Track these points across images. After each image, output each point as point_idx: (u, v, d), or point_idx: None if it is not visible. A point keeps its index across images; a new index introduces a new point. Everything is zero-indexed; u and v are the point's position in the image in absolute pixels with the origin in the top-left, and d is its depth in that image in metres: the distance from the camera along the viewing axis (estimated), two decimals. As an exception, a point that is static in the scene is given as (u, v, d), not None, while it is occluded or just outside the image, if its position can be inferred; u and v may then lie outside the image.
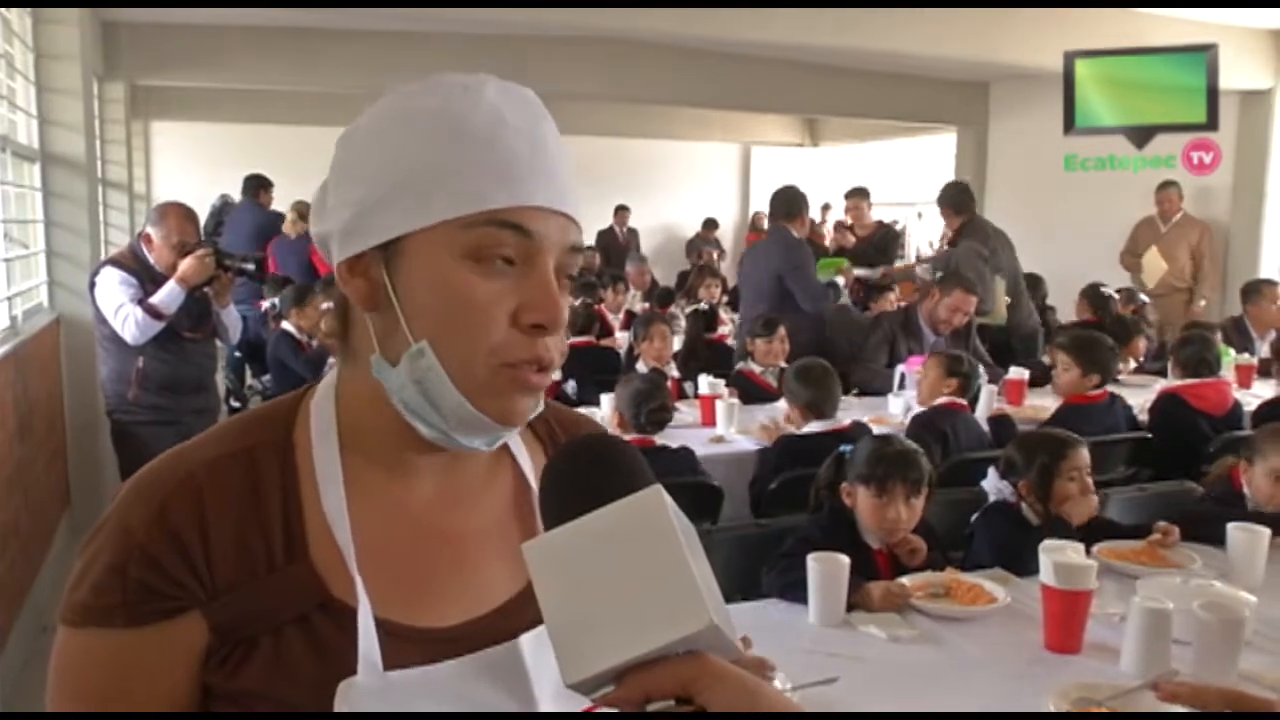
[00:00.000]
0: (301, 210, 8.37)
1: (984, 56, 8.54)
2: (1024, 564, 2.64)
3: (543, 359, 0.92)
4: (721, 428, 4.51)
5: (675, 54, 9.29)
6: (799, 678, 2.06)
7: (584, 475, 0.81)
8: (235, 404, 7.79)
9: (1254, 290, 6.75)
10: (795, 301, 5.97)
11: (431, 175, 0.90)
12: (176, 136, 12.84)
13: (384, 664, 0.91)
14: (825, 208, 14.58)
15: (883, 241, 8.87)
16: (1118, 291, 7.65)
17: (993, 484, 3.03)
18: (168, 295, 4.28)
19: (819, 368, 4.09)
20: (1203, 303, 8.40)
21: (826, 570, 2.42)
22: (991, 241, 6.51)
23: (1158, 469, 4.37)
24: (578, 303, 7.30)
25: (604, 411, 4.13)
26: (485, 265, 0.90)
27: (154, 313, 4.25)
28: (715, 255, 13.47)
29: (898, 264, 9.30)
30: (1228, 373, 5.39)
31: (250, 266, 4.63)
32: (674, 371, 5.62)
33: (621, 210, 13.92)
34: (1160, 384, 5.31)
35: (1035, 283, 6.78)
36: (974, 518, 3.00)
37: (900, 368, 5.33)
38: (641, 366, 5.41)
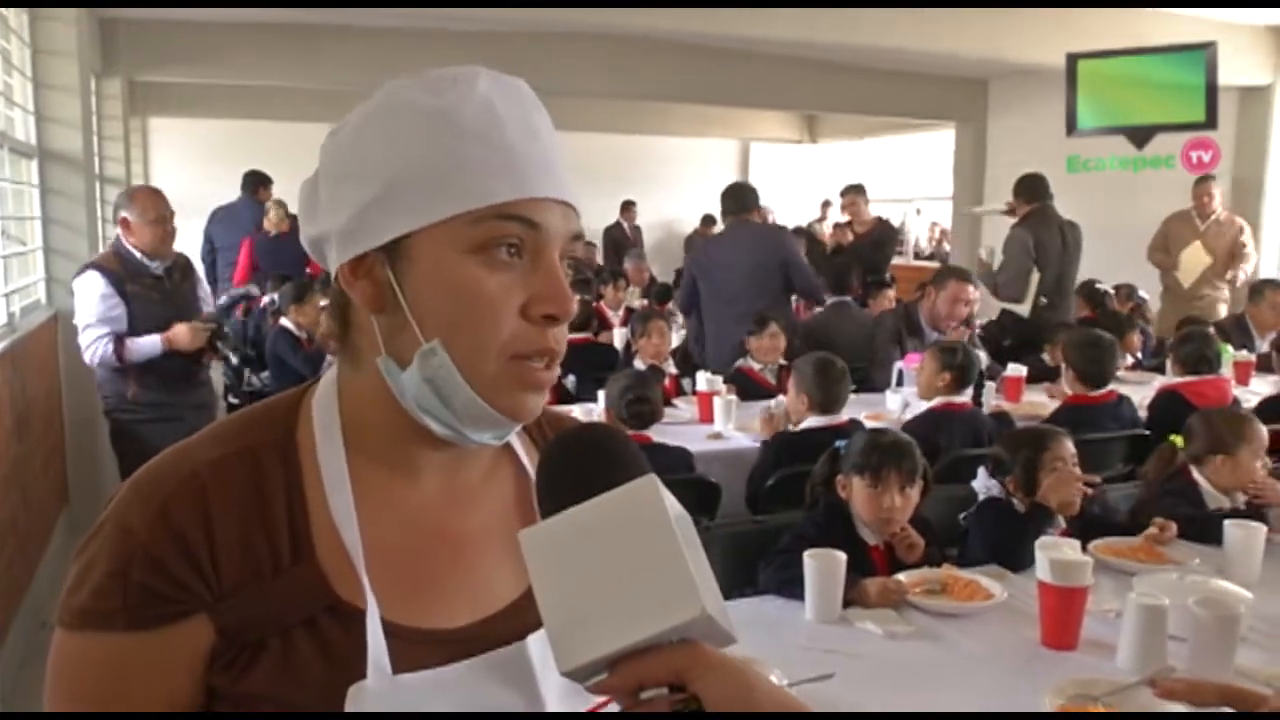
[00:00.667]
0: (285, 209, 8.39)
1: (983, 53, 8.54)
2: (1018, 558, 2.65)
3: (553, 350, 0.92)
4: (720, 424, 4.51)
5: (674, 50, 9.29)
6: (795, 674, 2.06)
7: (580, 465, 0.82)
8: (233, 400, 7.78)
9: (1258, 291, 6.76)
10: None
11: (432, 172, 0.89)
12: (174, 133, 12.85)
13: (392, 667, 0.91)
14: (825, 204, 14.59)
15: (881, 238, 8.87)
16: (1115, 289, 7.65)
17: (982, 483, 3.04)
18: (145, 347, 4.28)
19: (837, 368, 4.08)
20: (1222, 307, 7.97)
21: (823, 566, 2.42)
22: (1045, 234, 6.52)
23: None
24: (576, 299, 7.29)
25: (600, 408, 4.13)
26: (493, 260, 0.89)
27: (120, 355, 4.24)
28: (714, 252, 13.45)
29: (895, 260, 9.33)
30: (1226, 370, 5.39)
31: (235, 359, 4.63)
32: (671, 368, 5.62)
33: (629, 206, 13.96)
34: (1159, 381, 5.31)
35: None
36: (963, 516, 3.01)
37: (898, 364, 5.33)
38: (639, 363, 5.41)
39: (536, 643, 0.95)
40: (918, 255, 14.86)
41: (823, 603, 2.42)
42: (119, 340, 4.24)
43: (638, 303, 8.45)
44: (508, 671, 0.95)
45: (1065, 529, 2.86)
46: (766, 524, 2.99)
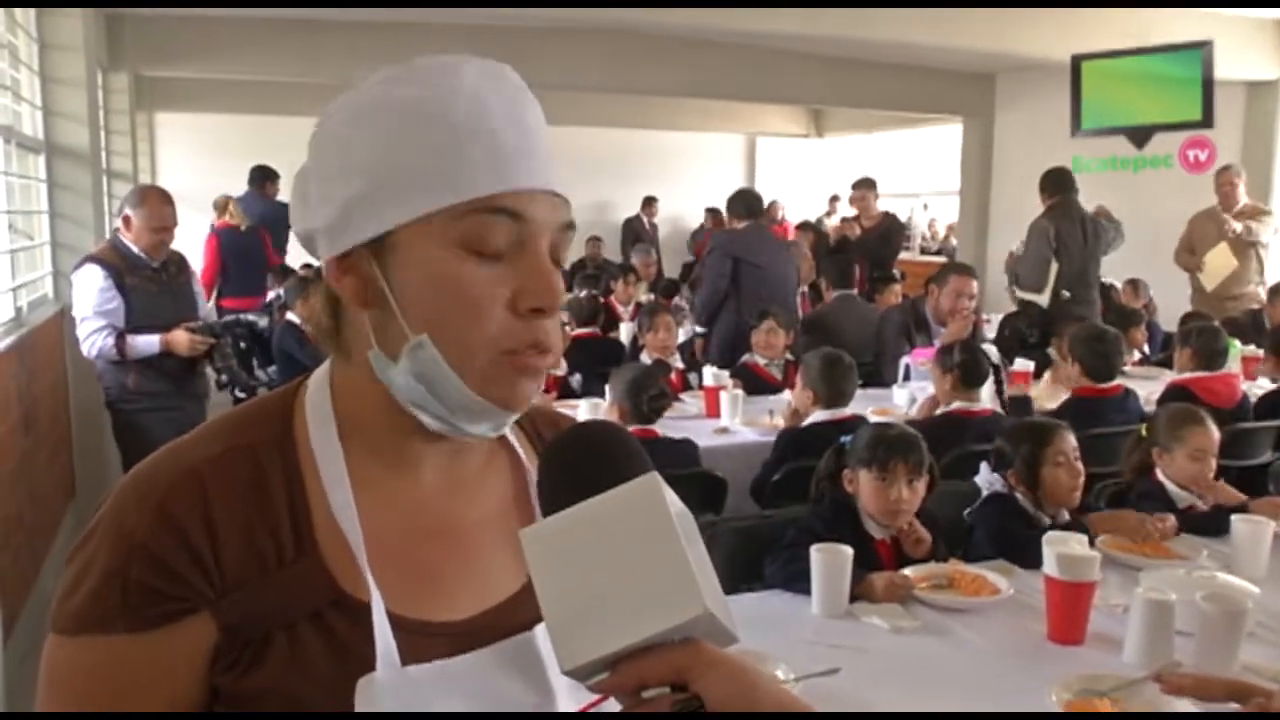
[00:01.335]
0: (223, 204, 8.50)
1: (990, 48, 8.52)
2: (1023, 552, 2.64)
3: (542, 343, 0.90)
4: (726, 419, 4.51)
5: (680, 45, 9.27)
6: (801, 668, 2.06)
7: (582, 462, 0.81)
8: (240, 395, 7.79)
9: (1276, 292, 6.74)
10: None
11: (417, 166, 0.88)
12: (181, 127, 12.85)
13: (400, 659, 0.90)
14: (833, 200, 14.57)
15: (887, 233, 8.86)
16: (1129, 282, 7.63)
17: (985, 478, 3.04)
18: (143, 346, 4.32)
19: (844, 363, 4.08)
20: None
21: (829, 561, 2.42)
22: (1066, 226, 6.54)
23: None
24: (583, 294, 7.30)
25: (606, 403, 4.13)
26: (478, 253, 0.88)
27: (122, 352, 4.29)
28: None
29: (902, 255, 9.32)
30: (1235, 365, 5.38)
31: (225, 379, 4.69)
32: (678, 363, 5.62)
33: (650, 202, 14.02)
34: (1168, 376, 5.30)
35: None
36: (967, 511, 3.01)
37: (905, 359, 5.33)
38: (645, 358, 5.41)
39: (544, 633, 0.95)
40: (924, 250, 14.84)
41: (829, 597, 2.42)
42: (120, 336, 4.28)
43: (645, 297, 8.44)
44: (516, 662, 0.95)
45: (1069, 523, 2.86)
46: (773, 519, 2.99)
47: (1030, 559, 2.51)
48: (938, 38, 8.13)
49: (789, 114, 15.63)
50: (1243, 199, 7.55)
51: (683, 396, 4.98)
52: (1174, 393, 4.67)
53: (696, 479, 3.57)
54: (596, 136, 13.41)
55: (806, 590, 2.45)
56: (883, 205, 9.25)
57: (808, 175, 15.97)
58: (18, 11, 5.28)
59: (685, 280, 9.93)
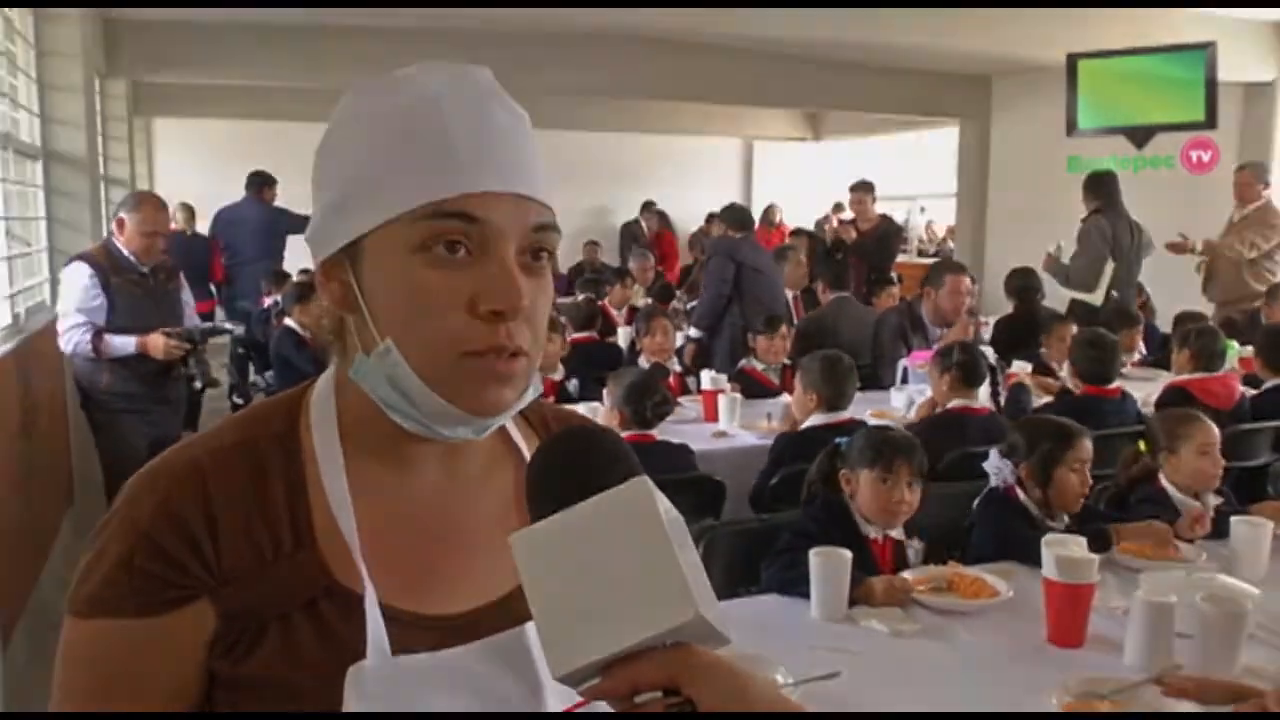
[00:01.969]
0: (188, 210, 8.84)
1: (987, 49, 8.52)
2: (1027, 551, 2.63)
3: (505, 346, 0.91)
4: (724, 423, 4.50)
5: (677, 49, 9.26)
6: (802, 672, 2.06)
7: (570, 467, 0.81)
8: (238, 400, 7.80)
9: (1273, 294, 6.74)
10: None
11: (378, 174, 0.91)
12: (179, 132, 12.84)
13: (391, 649, 0.92)
14: (837, 208, 14.55)
15: (885, 236, 8.86)
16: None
17: (994, 464, 3.02)
18: (119, 345, 4.34)
19: (844, 364, 4.07)
20: None
21: (829, 564, 2.42)
22: (1119, 227, 6.67)
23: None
24: (580, 299, 7.29)
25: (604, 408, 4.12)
26: (434, 257, 0.90)
27: (97, 349, 4.31)
28: (716, 250, 13.47)
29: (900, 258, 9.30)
30: (1233, 365, 5.37)
31: (199, 384, 4.73)
32: (675, 366, 5.61)
33: (648, 206, 14.04)
34: (1165, 377, 5.30)
35: (1027, 275, 6.75)
36: (974, 504, 3.01)
37: (902, 362, 5.33)
38: (643, 362, 5.40)
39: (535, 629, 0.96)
40: (921, 253, 14.83)
41: (829, 601, 2.42)
42: (98, 334, 4.31)
43: (642, 301, 8.43)
44: (507, 656, 0.96)
45: (1069, 526, 2.86)
46: (771, 523, 2.98)
47: (1035, 558, 2.52)
48: (933, 40, 8.14)
49: (786, 118, 15.62)
50: (1263, 198, 7.40)
51: (681, 400, 4.99)
52: (1172, 394, 4.67)
53: (694, 483, 3.56)
54: (595, 141, 13.41)
55: (804, 594, 2.45)
56: (880, 208, 9.25)
57: (804, 179, 15.95)
58: (15, 18, 5.28)
59: (683, 284, 9.91)
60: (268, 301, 7.57)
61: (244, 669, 0.92)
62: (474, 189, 0.90)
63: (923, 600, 2.48)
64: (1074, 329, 5.43)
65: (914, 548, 2.75)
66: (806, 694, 1.99)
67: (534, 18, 7.53)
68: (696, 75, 9.76)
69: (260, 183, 8.93)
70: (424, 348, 0.91)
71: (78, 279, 4.32)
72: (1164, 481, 3.15)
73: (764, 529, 2.91)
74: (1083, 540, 2.42)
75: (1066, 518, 2.91)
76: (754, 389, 5.11)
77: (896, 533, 2.74)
